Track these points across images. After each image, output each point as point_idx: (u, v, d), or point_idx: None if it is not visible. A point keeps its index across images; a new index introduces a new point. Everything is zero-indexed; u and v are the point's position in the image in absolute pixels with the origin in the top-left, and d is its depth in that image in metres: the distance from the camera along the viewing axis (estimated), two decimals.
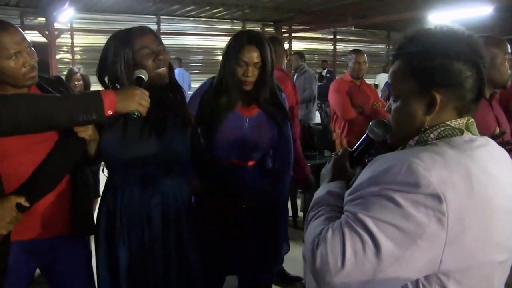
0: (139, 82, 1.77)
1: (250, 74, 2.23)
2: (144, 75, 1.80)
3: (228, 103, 2.28)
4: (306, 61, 13.67)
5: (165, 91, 2.00)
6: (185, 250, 2.01)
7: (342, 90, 4.39)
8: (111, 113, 1.59)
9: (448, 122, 1.12)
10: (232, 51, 2.25)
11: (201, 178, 2.30)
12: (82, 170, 2.01)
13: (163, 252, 1.97)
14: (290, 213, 4.96)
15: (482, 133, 1.52)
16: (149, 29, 1.99)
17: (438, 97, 1.10)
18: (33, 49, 1.84)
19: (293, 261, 3.69)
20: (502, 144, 1.94)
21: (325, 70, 13.46)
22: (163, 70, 1.90)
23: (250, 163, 2.38)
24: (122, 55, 1.88)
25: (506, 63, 2.29)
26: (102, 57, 1.96)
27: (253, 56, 2.24)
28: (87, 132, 1.77)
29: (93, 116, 1.56)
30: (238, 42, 2.26)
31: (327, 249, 1.01)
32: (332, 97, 4.50)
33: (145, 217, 1.95)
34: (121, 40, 1.91)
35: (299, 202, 5.09)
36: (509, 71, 2.31)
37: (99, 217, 2.03)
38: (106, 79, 1.97)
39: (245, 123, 2.33)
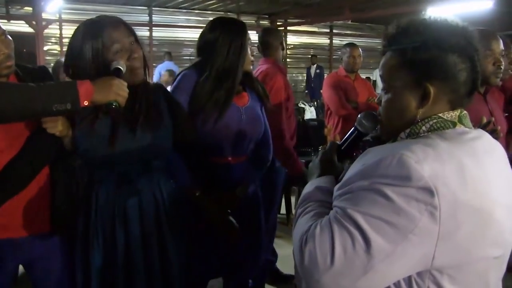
0: (117, 73, 1.73)
1: (254, 53, 2.38)
2: (122, 66, 1.76)
3: (231, 92, 2.26)
4: (302, 55, 13.73)
5: (140, 86, 1.93)
6: (168, 251, 1.96)
7: (336, 85, 4.38)
8: (87, 104, 1.58)
9: (440, 115, 1.12)
10: (240, 35, 2.28)
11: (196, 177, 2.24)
12: (64, 166, 1.97)
13: (144, 254, 1.91)
14: (284, 211, 4.98)
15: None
16: (120, 20, 1.91)
17: (432, 90, 1.10)
18: (10, 37, 1.80)
19: (287, 259, 3.69)
20: (490, 132, 1.98)
21: (315, 66, 13.42)
22: (138, 68, 1.86)
23: (243, 158, 2.36)
24: (89, 48, 1.81)
25: (489, 59, 2.27)
26: (68, 49, 1.89)
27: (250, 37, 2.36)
28: (56, 129, 1.74)
29: (67, 106, 1.54)
30: (239, 26, 2.34)
31: (316, 246, 1.01)
32: (326, 92, 4.50)
33: (121, 218, 1.89)
34: (89, 32, 1.84)
35: (293, 199, 5.10)
36: (491, 67, 2.28)
37: (77, 216, 1.98)
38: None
39: (242, 114, 2.31)
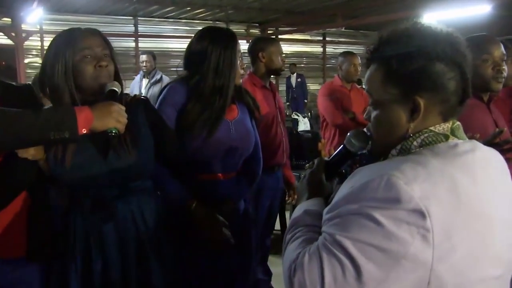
0: (112, 95, 1.72)
1: (244, 66, 2.36)
2: (117, 88, 1.76)
3: (223, 109, 2.25)
4: (293, 64, 13.75)
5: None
6: (151, 275, 1.92)
7: (332, 95, 4.37)
8: (85, 132, 1.57)
9: (431, 128, 1.11)
10: (231, 46, 2.26)
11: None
12: (43, 190, 1.94)
13: (123, 281, 1.87)
14: (279, 227, 4.96)
15: (481, 137, 1.50)
16: (97, 31, 1.90)
17: (421, 102, 1.09)
18: None
19: (281, 277, 3.67)
20: (500, 144, 1.97)
21: (294, 75, 13.29)
22: (105, 79, 1.80)
23: (232, 174, 2.35)
24: (61, 59, 1.79)
25: (488, 63, 2.25)
26: (43, 61, 1.87)
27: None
28: (28, 153, 1.71)
29: (65, 134, 1.54)
30: (230, 35, 2.32)
31: (305, 276, 1.00)
32: (321, 102, 4.48)
33: (97, 245, 1.86)
34: (63, 41, 1.83)
35: (287, 215, 5.08)
36: (490, 72, 2.26)
37: (57, 242, 1.94)
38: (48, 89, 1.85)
39: (231, 128, 2.29)
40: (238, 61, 2.28)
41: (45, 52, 1.87)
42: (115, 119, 1.62)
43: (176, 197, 2.17)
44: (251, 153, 2.44)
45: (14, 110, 1.65)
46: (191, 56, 2.31)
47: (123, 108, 1.67)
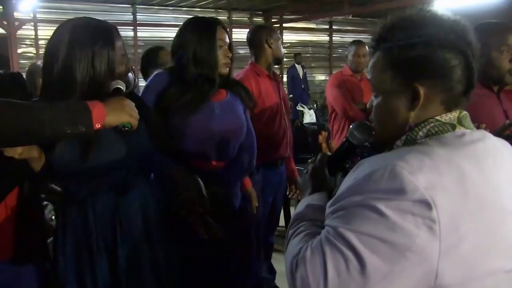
0: (117, 94, 1.77)
1: (230, 55, 2.37)
2: (121, 86, 1.80)
3: (205, 92, 2.30)
4: (299, 54, 13.70)
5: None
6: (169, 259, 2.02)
7: (342, 85, 4.34)
8: (99, 127, 1.55)
9: (437, 118, 1.12)
10: (209, 33, 2.31)
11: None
12: (33, 190, 1.97)
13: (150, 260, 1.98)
14: (283, 223, 4.98)
15: (489, 127, 1.49)
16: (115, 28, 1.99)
17: (421, 91, 1.10)
18: None
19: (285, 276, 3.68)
20: (509, 136, 1.96)
21: (299, 66, 13.03)
22: (128, 75, 1.93)
23: (222, 163, 2.37)
24: (104, 55, 1.87)
25: (505, 55, 2.23)
26: (53, 50, 1.89)
27: (227, 37, 2.37)
28: (15, 151, 1.70)
29: (80, 129, 1.51)
30: (209, 24, 2.36)
31: (307, 271, 1.01)
32: (330, 92, 4.45)
33: (123, 221, 1.95)
34: (103, 37, 1.89)
35: (292, 210, 5.09)
36: (507, 64, 2.24)
37: (63, 242, 1.97)
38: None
39: (215, 108, 2.33)
40: (219, 49, 2.32)
41: (49, 48, 1.89)
42: (128, 113, 1.63)
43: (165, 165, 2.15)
44: (245, 143, 2.47)
45: (24, 103, 1.61)
46: (174, 47, 2.38)
47: (133, 103, 1.69)
